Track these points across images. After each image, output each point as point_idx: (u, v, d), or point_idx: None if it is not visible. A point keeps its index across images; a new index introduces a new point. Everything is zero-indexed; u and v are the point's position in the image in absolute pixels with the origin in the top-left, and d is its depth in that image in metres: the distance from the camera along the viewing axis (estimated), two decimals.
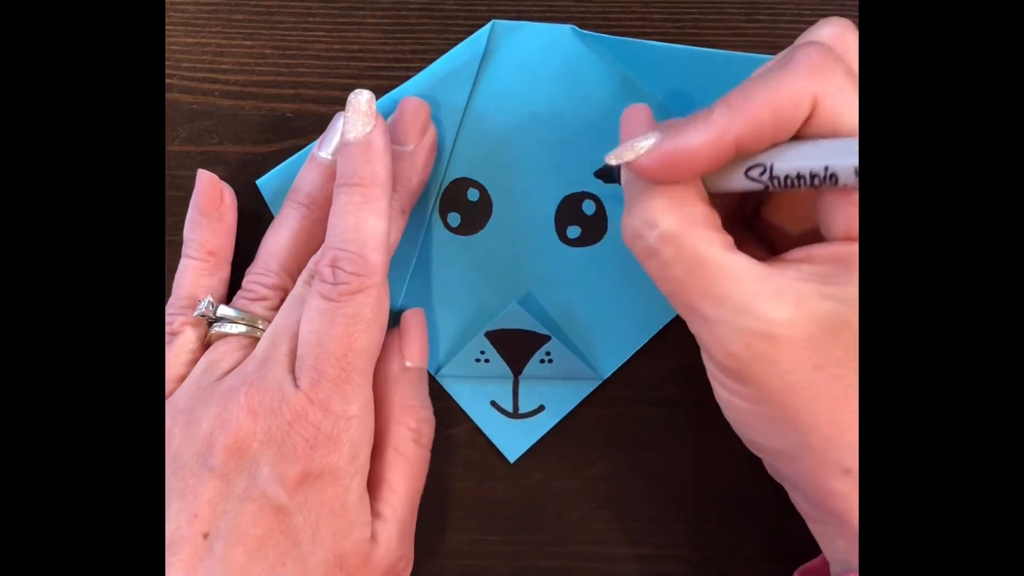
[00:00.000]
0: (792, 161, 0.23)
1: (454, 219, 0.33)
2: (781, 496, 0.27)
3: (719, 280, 0.23)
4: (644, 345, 0.32)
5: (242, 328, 0.29)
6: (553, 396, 0.32)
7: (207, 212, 0.31)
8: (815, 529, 0.26)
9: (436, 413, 0.31)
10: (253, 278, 0.30)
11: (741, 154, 0.23)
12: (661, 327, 0.32)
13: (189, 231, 0.31)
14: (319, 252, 0.28)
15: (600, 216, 0.33)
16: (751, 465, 0.27)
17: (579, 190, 0.33)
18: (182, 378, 0.28)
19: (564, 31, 0.33)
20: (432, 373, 0.32)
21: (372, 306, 0.27)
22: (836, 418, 0.23)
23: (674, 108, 0.32)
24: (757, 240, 0.27)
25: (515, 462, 0.32)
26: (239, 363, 0.28)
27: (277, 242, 0.30)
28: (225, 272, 0.31)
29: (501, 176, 0.33)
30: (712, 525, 0.32)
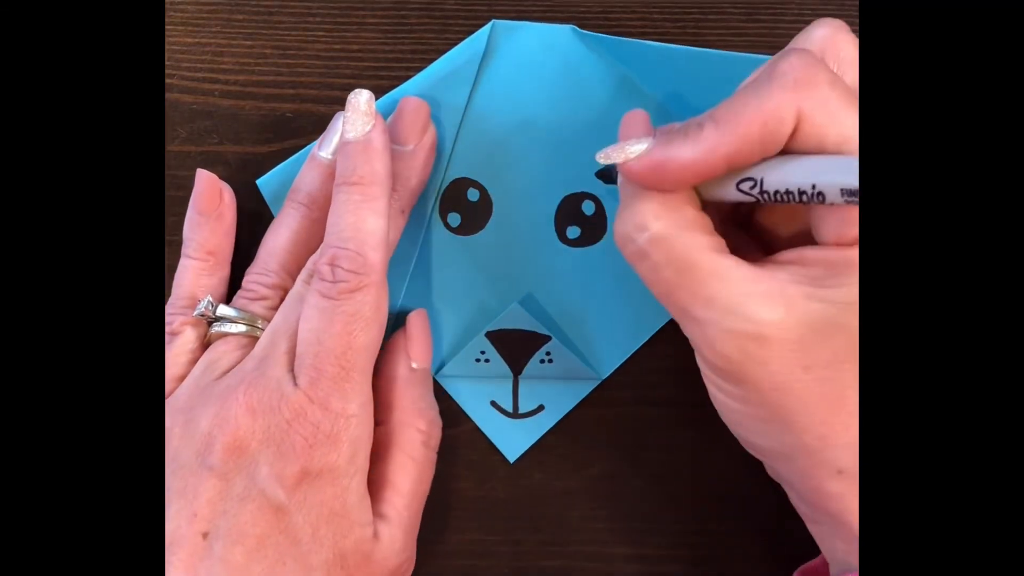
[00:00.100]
0: (781, 177, 0.23)
1: (454, 219, 0.33)
2: (781, 496, 0.27)
3: (708, 282, 0.23)
4: (643, 345, 0.32)
5: (242, 327, 0.29)
6: (553, 396, 0.32)
7: (206, 212, 0.31)
8: (813, 529, 0.26)
9: None
10: (253, 278, 0.30)
11: (731, 168, 0.23)
12: (660, 327, 0.32)
13: (188, 231, 0.31)
14: (318, 251, 0.28)
15: (600, 216, 0.33)
16: (751, 465, 0.27)
17: (579, 190, 0.33)
18: (182, 378, 0.28)
19: (564, 31, 0.33)
20: (432, 373, 0.32)
21: (371, 304, 0.27)
22: (828, 419, 0.23)
23: (674, 108, 0.32)
24: (753, 241, 0.27)
25: (515, 462, 0.32)
26: (239, 362, 0.28)
27: (277, 242, 0.30)
28: (225, 272, 0.31)
29: (501, 176, 0.33)
30: (712, 525, 0.32)
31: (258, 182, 0.32)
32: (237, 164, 0.33)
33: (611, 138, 0.26)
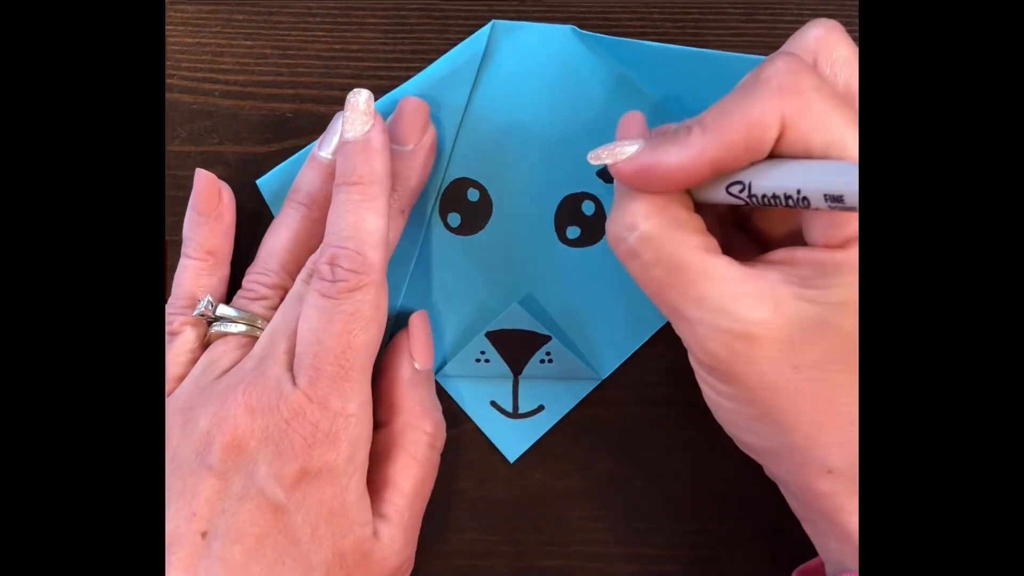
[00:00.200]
0: (768, 181, 0.23)
1: (454, 219, 0.33)
2: (781, 496, 0.27)
3: (697, 282, 0.23)
4: (643, 345, 0.32)
5: (241, 327, 0.29)
6: (553, 396, 0.32)
7: (205, 211, 0.31)
8: (808, 529, 0.26)
9: None
10: (253, 277, 0.30)
11: (717, 173, 0.23)
12: (660, 327, 0.32)
13: (188, 231, 0.31)
14: (318, 251, 0.28)
15: (600, 216, 0.33)
16: (751, 465, 0.27)
17: (579, 190, 0.33)
18: (182, 378, 0.28)
19: (564, 31, 0.33)
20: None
21: (371, 303, 0.27)
22: (817, 418, 0.23)
23: (673, 109, 0.32)
24: (751, 241, 0.27)
25: (515, 462, 0.32)
26: (238, 362, 0.28)
27: (277, 242, 0.30)
28: (224, 271, 0.31)
29: (501, 176, 0.33)
30: (712, 525, 0.32)
31: (258, 182, 0.32)
32: (237, 164, 0.33)
33: (610, 138, 0.26)
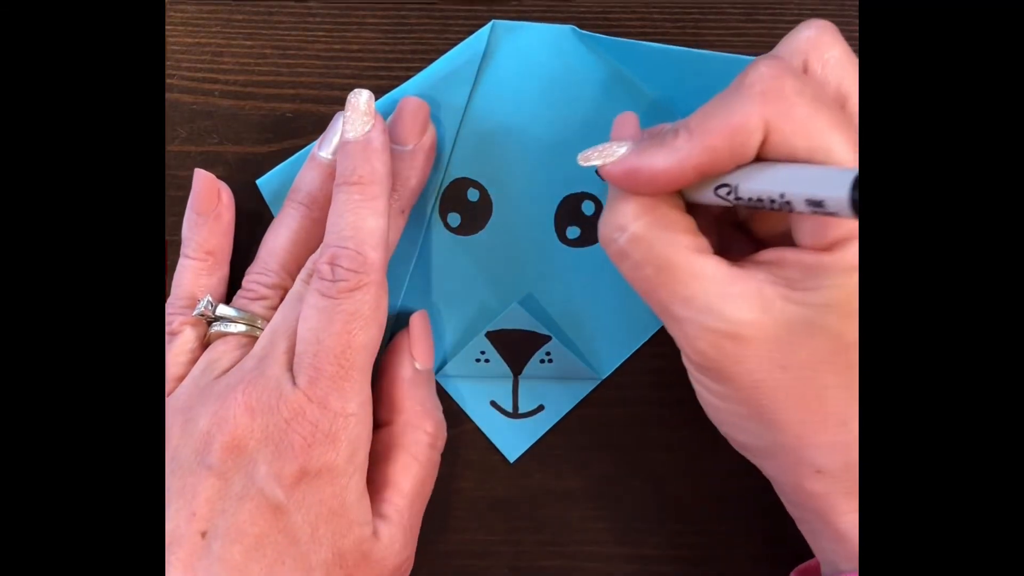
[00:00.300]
0: (753, 185, 0.23)
1: (454, 219, 0.33)
2: None
3: (687, 282, 0.23)
4: (643, 345, 0.32)
5: (241, 327, 0.29)
6: (553, 396, 0.32)
7: (204, 212, 0.31)
8: (803, 528, 0.26)
9: None
10: (253, 277, 0.30)
11: (703, 177, 0.23)
12: (660, 327, 0.32)
13: (187, 231, 0.31)
14: (318, 250, 0.28)
15: (599, 216, 0.33)
16: (750, 465, 0.27)
17: (579, 190, 0.33)
18: (182, 377, 0.28)
19: (564, 31, 0.33)
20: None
21: (371, 303, 0.27)
22: (806, 418, 0.23)
23: (673, 108, 0.32)
24: (747, 240, 0.27)
25: (515, 462, 0.32)
26: (238, 362, 0.28)
27: (277, 242, 0.30)
28: (224, 271, 0.31)
29: (501, 176, 0.33)
30: (712, 525, 0.32)
31: (258, 182, 0.32)
32: (237, 164, 0.33)
33: (609, 138, 0.26)
